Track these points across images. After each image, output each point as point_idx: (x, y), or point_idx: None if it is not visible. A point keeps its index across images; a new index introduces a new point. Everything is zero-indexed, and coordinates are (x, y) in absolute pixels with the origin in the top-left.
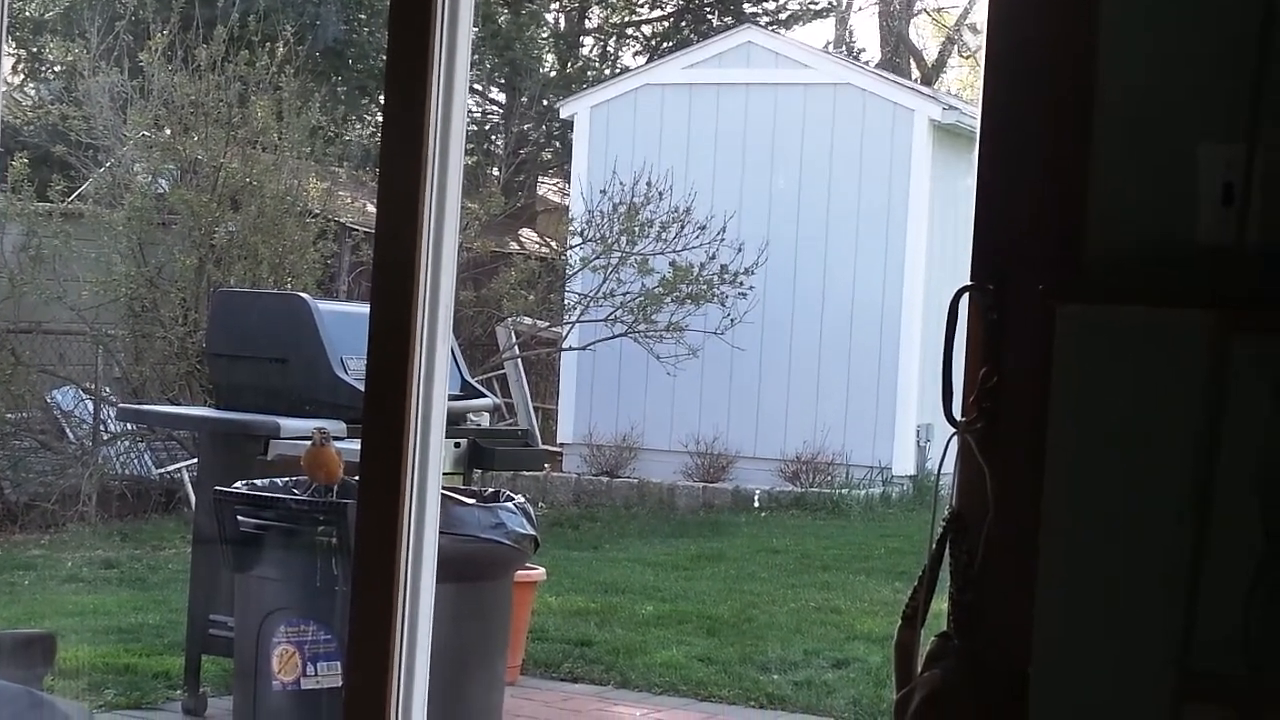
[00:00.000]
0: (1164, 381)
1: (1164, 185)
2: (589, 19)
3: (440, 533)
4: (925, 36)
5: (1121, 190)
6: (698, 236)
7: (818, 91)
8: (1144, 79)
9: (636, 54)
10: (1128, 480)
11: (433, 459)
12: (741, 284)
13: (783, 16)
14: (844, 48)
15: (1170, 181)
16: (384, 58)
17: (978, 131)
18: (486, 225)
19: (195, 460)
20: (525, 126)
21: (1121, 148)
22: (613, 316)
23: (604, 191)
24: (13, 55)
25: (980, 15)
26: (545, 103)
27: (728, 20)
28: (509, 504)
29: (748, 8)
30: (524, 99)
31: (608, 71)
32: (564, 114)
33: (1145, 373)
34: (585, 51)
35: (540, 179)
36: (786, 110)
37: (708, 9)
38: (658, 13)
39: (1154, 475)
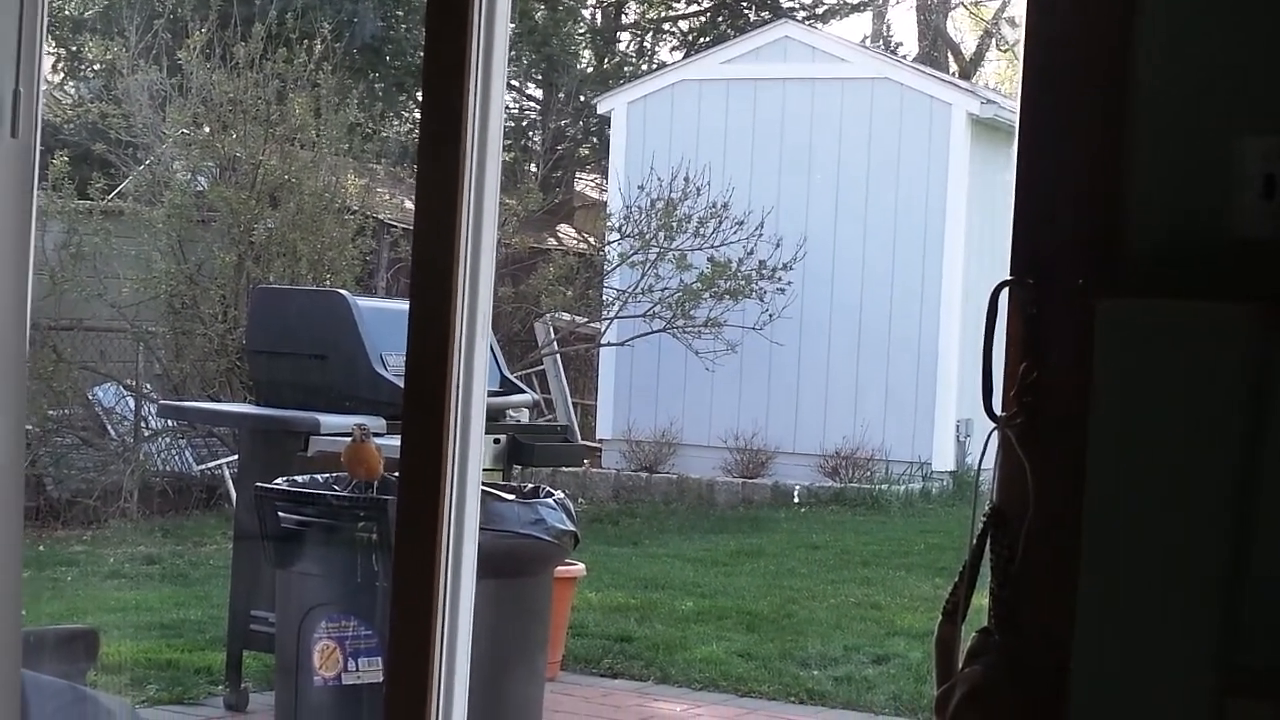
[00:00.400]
0: (1204, 375)
1: (1204, 178)
2: (625, 14)
3: (480, 528)
4: (963, 30)
5: (1161, 183)
6: (735, 232)
7: (855, 86)
8: (1183, 71)
9: (673, 49)
10: (1169, 474)
11: (472, 455)
12: (780, 279)
13: (820, 11)
14: (881, 42)
15: (1210, 174)
16: (421, 54)
17: (1016, 125)
18: (524, 221)
19: (236, 457)
20: (562, 122)
21: (1161, 141)
22: (651, 312)
23: (642, 187)
24: (52, 54)
25: (1018, 8)
26: (582, 99)
27: (764, 15)
28: (549, 500)
29: (785, 3)
30: (561, 95)
31: (645, 67)
32: (601, 110)
33: (1185, 366)
34: (622, 47)
35: (578, 175)
36: (824, 105)
37: (744, 4)
38: (694, 8)
39: (1195, 469)
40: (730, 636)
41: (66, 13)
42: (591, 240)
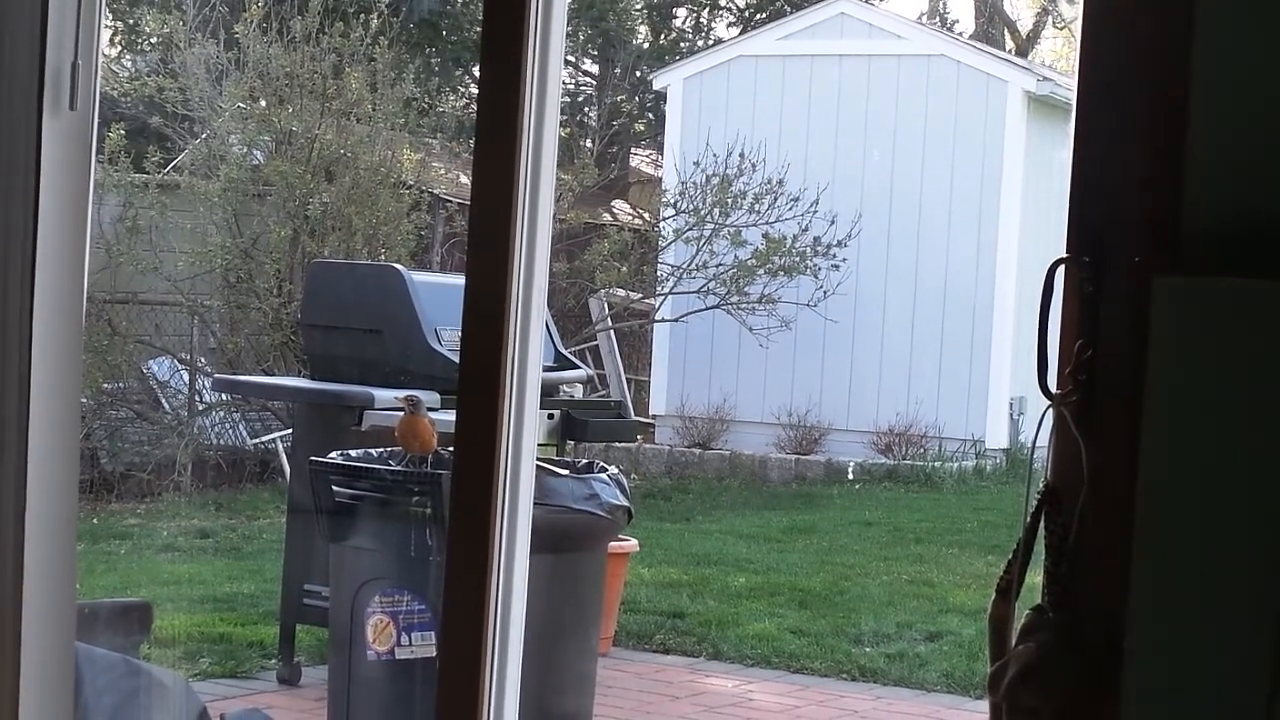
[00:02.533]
0: (1262, 353)
1: (1265, 155)
2: None
3: (534, 504)
4: (1019, 7)
5: (1220, 160)
6: (790, 208)
7: (911, 63)
8: (1243, 46)
9: (730, 25)
10: (1224, 453)
11: (527, 430)
12: (834, 256)
13: None
14: (938, 19)
15: (1271, 151)
16: (478, 29)
17: (1073, 102)
18: (580, 197)
19: (290, 430)
20: (618, 98)
21: (1220, 117)
22: (705, 288)
23: (697, 163)
24: (110, 27)
25: None
26: (638, 74)
27: None
28: (602, 475)
29: None
30: (617, 70)
31: (701, 43)
32: (657, 85)
33: (1242, 344)
34: (678, 23)
35: (633, 151)
36: (880, 82)
37: None
38: None
39: (1252, 448)
40: (783, 613)
41: None
42: (646, 216)
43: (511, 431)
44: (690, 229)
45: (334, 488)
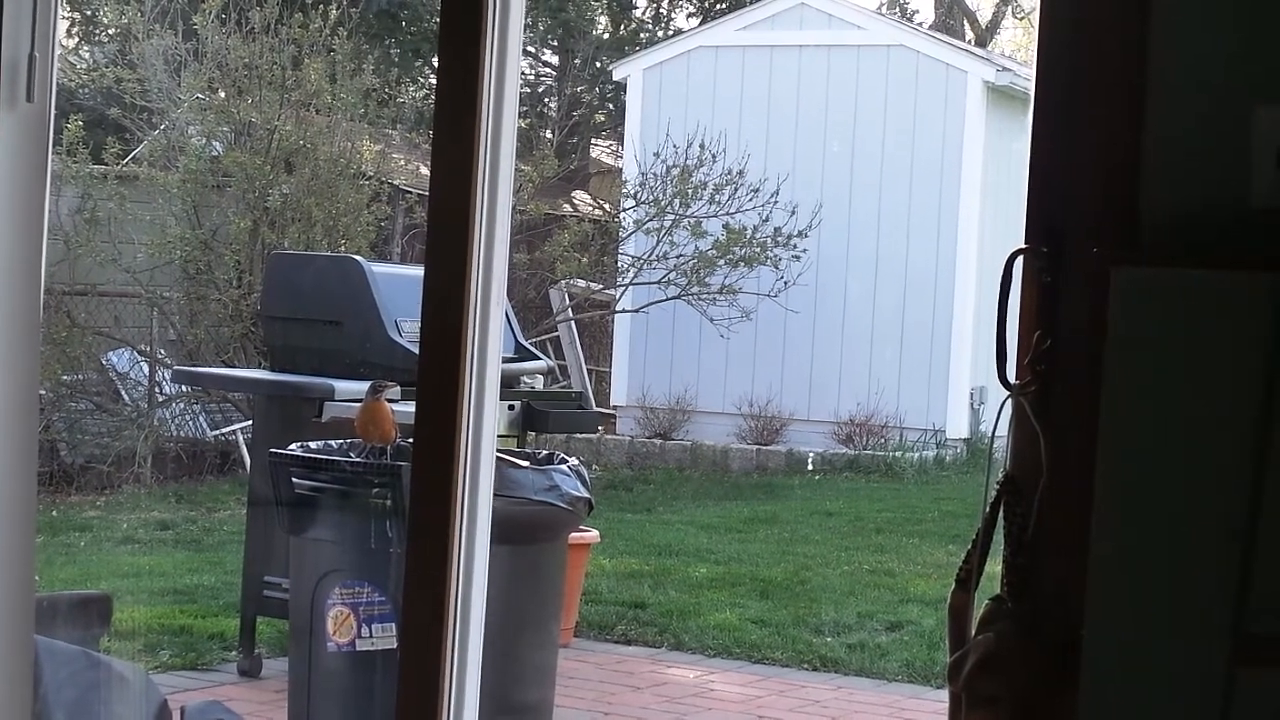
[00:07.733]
0: (1219, 344)
1: (1221, 147)
2: None
3: (494, 495)
4: None
5: (1178, 152)
6: (751, 199)
7: (871, 53)
8: (1200, 39)
9: (690, 16)
10: (1182, 443)
11: (487, 421)
12: (795, 246)
13: None
14: (897, 9)
15: (1227, 143)
16: (437, 19)
17: (1032, 93)
18: (540, 188)
19: (250, 422)
20: (578, 89)
21: (1178, 109)
22: (666, 279)
23: (657, 154)
24: (67, 18)
25: None
26: (598, 65)
27: None
28: (563, 466)
29: None
30: (577, 61)
31: (661, 33)
32: (617, 76)
33: (1199, 335)
34: (638, 13)
35: (593, 141)
36: (840, 72)
37: None
38: None
39: (1210, 438)
40: (744, 603)
41: None
42: (607, 207)
43: (471, 423)
44: (650, 220)
45: (294, 480)
